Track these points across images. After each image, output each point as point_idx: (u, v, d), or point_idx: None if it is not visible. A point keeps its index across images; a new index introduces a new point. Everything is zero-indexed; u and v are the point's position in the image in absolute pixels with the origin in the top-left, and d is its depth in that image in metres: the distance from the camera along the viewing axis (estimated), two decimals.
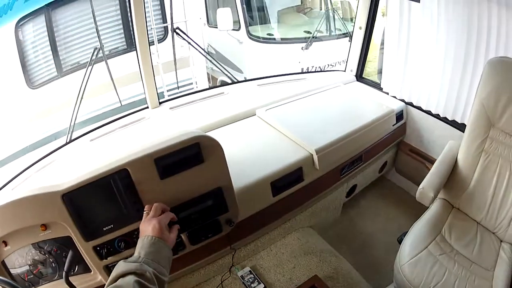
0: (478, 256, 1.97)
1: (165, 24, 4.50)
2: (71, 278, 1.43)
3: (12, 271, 1.45)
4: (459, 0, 2.22)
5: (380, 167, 3.03)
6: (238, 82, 3.43)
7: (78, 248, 1.47)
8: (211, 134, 1.64)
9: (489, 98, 1.99)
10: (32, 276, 1.47)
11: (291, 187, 2.12)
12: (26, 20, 3.74)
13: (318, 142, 2.20)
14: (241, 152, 2.17)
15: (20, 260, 1.45)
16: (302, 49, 5.37)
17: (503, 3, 2.07)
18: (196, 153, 1.54)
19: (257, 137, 2.36)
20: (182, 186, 1.57)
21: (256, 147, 2.26)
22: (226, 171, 1.68)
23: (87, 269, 1.54)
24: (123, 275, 1.11)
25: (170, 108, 2.66)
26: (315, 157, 2.15)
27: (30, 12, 3.71)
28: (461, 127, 2.48)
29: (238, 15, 5.37)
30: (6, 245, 1.41)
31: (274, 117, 2.49)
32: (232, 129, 2.46)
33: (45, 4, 3.76)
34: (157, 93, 2.66)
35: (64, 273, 1.42)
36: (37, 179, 2.08)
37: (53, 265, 1.48)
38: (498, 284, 1.81)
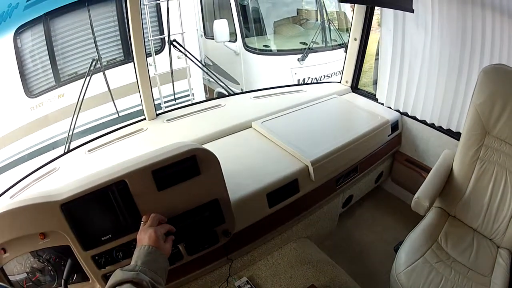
0: (475, 263, 1.98)
1: (162, 36, 4.53)
2: (69, 287, 1.45)
3: (11, 278, 1.46)
4: (453, 9, 2.24)
5: (376, 177, 3.03)
6: (235, 94, 3.44)
7: (77, 257, 1.47)
8: (207, 146, 1.66)
9: (484, 106, 2.01)
10: (30, 283, 1.48)
11: (287, 198, 2.13)
12: (25, 28, 3.77)
13: (314, 154, 2.21)
14: (237, 164, 2.18)
15: (18, 268, 1.45)
16: (298, 60, 5.38)
17: (497, 10, 2.09)
18: (192, 165, 1.56)
19: (253, 149, 2.36)
20: (179, 197, 1.58)
21: (252, 159, 2.26)
22: (222, 183, 1.69)
23: (85, 278, 1.55)
24: (120, 283, 1.12)
25: (167, 120, 2.68)
26: (311, 169, 2.16)
27: (29, 21, 3.73)
28: (456, 135, 2.50)
29: (234, 27, 5.40)
30: (5, 252, 1.41)
31: (270, 129, 2.51)
32: (228, 141, 2.47)
33: (44, 13, 3.79)
34: (154, 104, 2.67)
35: (63, 281, 1.43)
36: (35, 188, 2.10)
37: (52, 273, 1.48)
38: None
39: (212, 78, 3.99)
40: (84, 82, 3.35)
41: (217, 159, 1.63)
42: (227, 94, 3.60)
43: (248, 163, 2.21)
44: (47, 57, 3.99)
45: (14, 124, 3.92)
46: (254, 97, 3.11)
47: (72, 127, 3.19)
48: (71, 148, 2.53)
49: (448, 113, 2.53)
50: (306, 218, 2.46)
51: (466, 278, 1.89)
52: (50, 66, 4.04)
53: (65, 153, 2.47)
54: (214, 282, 2.14)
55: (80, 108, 3.34)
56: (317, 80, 5.47)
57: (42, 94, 4.05)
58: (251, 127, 2.62)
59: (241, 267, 2.23)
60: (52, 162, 2.37)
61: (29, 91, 3.95)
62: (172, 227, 1.46)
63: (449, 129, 2.59)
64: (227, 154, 2.16)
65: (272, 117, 2.69)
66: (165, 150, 1.55)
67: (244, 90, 5.40)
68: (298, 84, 4.99)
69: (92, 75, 3.47)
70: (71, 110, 3.35)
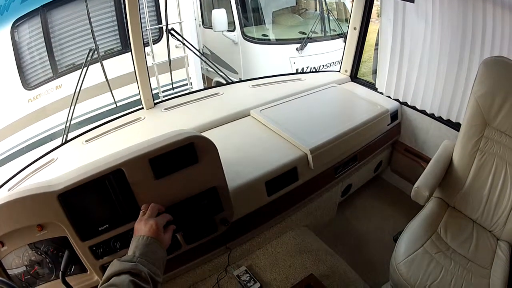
0: (475, 254, 1.97)
1: (160, 25, 4.51)
2: (67, 278, 1.42)
3: (9, 271, 1.44)
4: (454, 0, 2.23)
5: (375, 167, 3.04)
6: (233, 82, 3.43)
7: (74, 248, 1.46)
8: (206, 134, 1.65)
9: (485, 98, 2.00)
10: (29, 276, 1.46)
11: (286, 186, 2.12)
12: (22, 21, 3.75)
13: (313, 142, 2.20)
14: (236, 152, 2.17)
15: (17, 261, 1.44)
16: (297, 49, 5.38)
17: (498, 3, 2.08)
18: (190, 153, 1.55)
19: (252, 137, 2.35)
20: (177, 186, 1.57)
21: (250, 147, 2.25)
22: (220, 170, 1.68)
23: (83, 269, 1.54)
24: (117, 274, 1.10)
25: (165, 109, 2.67)
26: (310, 157, 2.15)
27: (26, 13, 3.71)
28: (456, 126, 2.49)
29: (233, 16, 5.38)
30: (3, 245, 1.39)
31: (268, 117, 2.50)
32: (226, 129, 2.46)
33: (41, 5, 3.77)
34: (152, 94, 2.66)
35: (60, 273, 1.41)
36: (33, 180, 2.08)
37: (50, 265, 1.47)
38: (496, 282, 1.82)
39: (210, 67, 3.97)
40: (81, 73, 3.33)
41: (215, 146, 1.62)
42: (225, 83, 3.58)
43: (247, 151, 2.20)
44: (45, 49, 3.98)
45: (12, 117, 3.91)
46: (252, 86, 3.10)
47: (69, 118, 3.17)
48: (68, 138, 2.51)
49: (448, 104, 2.52)
50: (305, 207, 2.47)
51: (466, 269, 1.88)
52: (47, 58, 4.03)
53: (62, 144, 2.46)
54: (212, 271, 2.14)
55: (77, 99, 3.32)
56: (316, 70, 5.45)
57: (40, 86, 4.05)
58: (250, 115, 2.61)
59: (240, 256, 2.24)
60: (50, 153, 2.36)
61: (27, 83, 3.95)
62: (171, 217, 1.44)
63: (448, 120, 2.58)
64: (226, 142, 2.17)
65: (270, 105, 2.68)
66: (162, 138, 1.53)
67: (242, 79, 5.38)
68: (297, 73, 4.98)
69: (89, 65, 3.44)
70: (69, 101, 3.33)
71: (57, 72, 4.10)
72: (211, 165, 1.63)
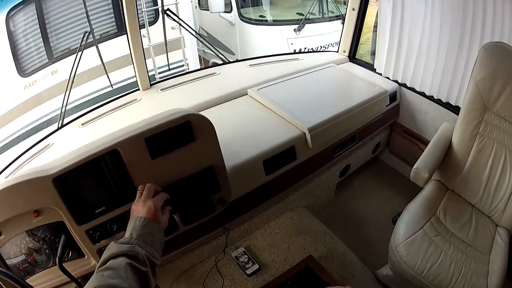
0: (474, 239, 1.98)
1: (156, 7, 4.47)
2: (65, 264, 1.41)
3: (8, 261, 1.43)
4: None
5: (374, 148, 3.03)
6: (230, 62, 3.40)
7: (71, 233, 1.44)
8: (203, 113, 1.62)
9: (484, 83, 1.99)
10: (27, 264, 1.45)
11: (284, 165, 2.11)
12: (17, 9, 3.73)
13: (311, 121, 2.18)
14: (233, 131, 2.15)
15: (14, 249, 1.42)
16: (294, 31, 5.38)
17: None
18: (186, 131, 1.53)
19: (249, 116, 2.34)
20: (174, 165, 1.55)
21: (248, 126, 2.24)
22: (217, 149, 1.66)
23: (80, 254, 1.52)
24: (114, 256, 1.08)
25: (162, 89, 2.64)
26: (308, 136, 2.14)
27: (21, 1, 3.69)
28: (455, 109, 2.48)
29: None
30: (0, 234, 1.38)
31: (266, 96, 2.47)
32: (224, 108, 2.43)
33: None
34: (148, 75, 2.64)
35: (57, 258, 1.39)
36: (29, 166, 2.06)
37: (47, 252, 1.46)
38: (494, 269, 1.83)
39: (207, 47, 3.95)
40: (76, 57, 3.30)
41: (212, 124, 1.59)
42: (222, 63, 3.56)
43: (244, 130, 2.19)
44: (40, 35, 3.97)
45: (8, 105, 3.89)
46: (249, 65, 3.07)
47: (65, 103, 3.15)
48: (64, 123, 2.49)
49: (448, 86, 2.50)
50: (303, 187, 2.47)
51: (465, 254, 1.88)
52: (42, 44, 4.02)
53: (58, 129, 2.44)
54: (211, 253, 2.14)
55: (72, 83, 3.30)
56: (313, 51, 5.44)
57: (35, 72, 4.04)
58: (247, 94, 2.58)
59: (238, 237, 2.23)
60: (46, 139, 2.34)
61: (22, 70, 3.93)
62: (168, 196, 1.43)
63: (448, 102, 2.56)
64: (223, 122, 2.13)
65: (268, 84, 2.65)
66: (158, 117, 1.51)
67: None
68: (295, 53, 4.96)
69: (84, 49, 3.41)
70: (65, 86, 3.31)
71: (52, 58, 4.09)
72: (208, 143, 1.62)
